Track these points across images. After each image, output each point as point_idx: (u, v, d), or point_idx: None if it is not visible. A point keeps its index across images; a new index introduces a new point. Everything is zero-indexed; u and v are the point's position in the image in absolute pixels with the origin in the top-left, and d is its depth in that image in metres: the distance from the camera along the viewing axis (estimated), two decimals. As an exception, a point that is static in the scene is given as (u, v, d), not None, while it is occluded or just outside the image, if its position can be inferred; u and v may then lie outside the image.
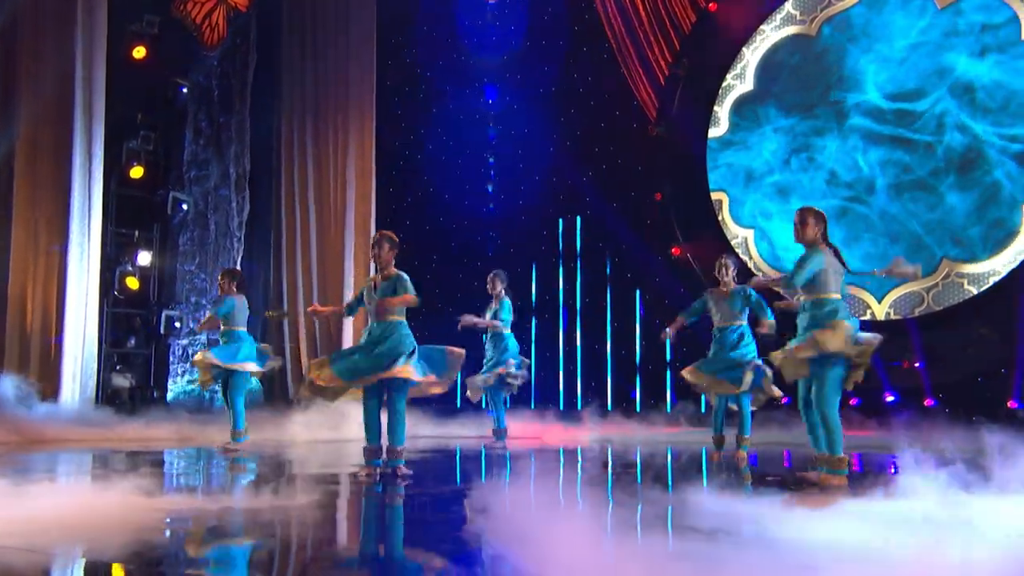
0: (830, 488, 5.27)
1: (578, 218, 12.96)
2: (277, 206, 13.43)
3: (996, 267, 10.16)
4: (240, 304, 8.14)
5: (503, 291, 8.61)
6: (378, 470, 5.89)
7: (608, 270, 12.66)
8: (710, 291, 7.35)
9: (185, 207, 12.59)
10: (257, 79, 13.28)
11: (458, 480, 6.89)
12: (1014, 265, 10.05)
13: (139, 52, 12.16)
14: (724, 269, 7.19)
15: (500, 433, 8.57)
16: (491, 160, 13.87)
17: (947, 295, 10.41)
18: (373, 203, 13.54)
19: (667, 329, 7.51)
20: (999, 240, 10.24)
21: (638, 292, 12.35)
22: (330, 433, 9.69)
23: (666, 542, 3.85)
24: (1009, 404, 9.75)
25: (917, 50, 10.91)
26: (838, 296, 5.59)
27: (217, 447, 8.16)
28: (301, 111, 13.55)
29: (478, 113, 13.86)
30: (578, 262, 12.98)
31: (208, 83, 13.04)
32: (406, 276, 5.99)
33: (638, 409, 11.97)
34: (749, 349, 7.09)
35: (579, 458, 8.08)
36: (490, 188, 14.06)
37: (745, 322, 7.15)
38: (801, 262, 5.56)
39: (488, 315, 8.65)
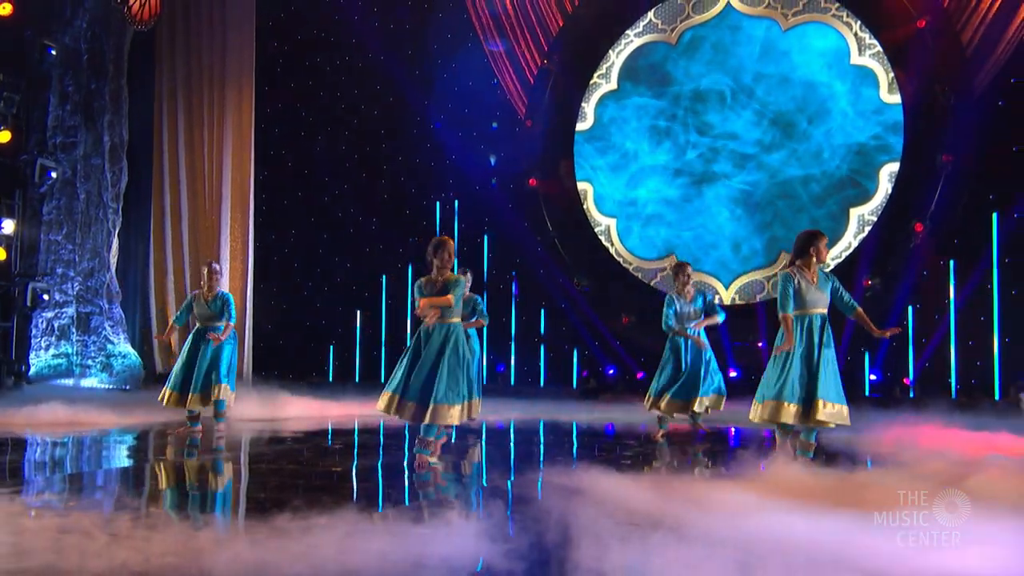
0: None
1: (455, 201, 13.56)
2: (156, 177, 13.19)
3: (826, 261, 11.68)
4: None
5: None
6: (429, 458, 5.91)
7: (486, 251, 13.35)
8: (675, 295, 7.74)
9: (54, 175, 12.10)
10: (135, 46, 12.90)
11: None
12: (839, 260, 11.62)
13: (5, 9, 11.61)
14: (683, 275, 7.71)
15: None
16: (367, 135, 14.16)
17: (784, 284, 11.84)
18: (251, 175, 13.58)
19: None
20: (830, 237, 11.77)
21: (514, 274, 13.14)
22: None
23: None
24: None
25: (765, 63, 12.25)
26: None
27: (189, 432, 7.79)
28: (176, 80, 13.34)
29: (358, 89, 14.12)
30: (456, 243, 13.57)
31: (76, 46, 12.53)
32: (463, 280, 5.94)
33: (512, 383, 12.83)
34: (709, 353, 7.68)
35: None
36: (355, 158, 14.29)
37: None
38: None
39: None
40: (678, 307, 7.69)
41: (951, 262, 11.03)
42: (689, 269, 7.86)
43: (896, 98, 11.53)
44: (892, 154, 11.54)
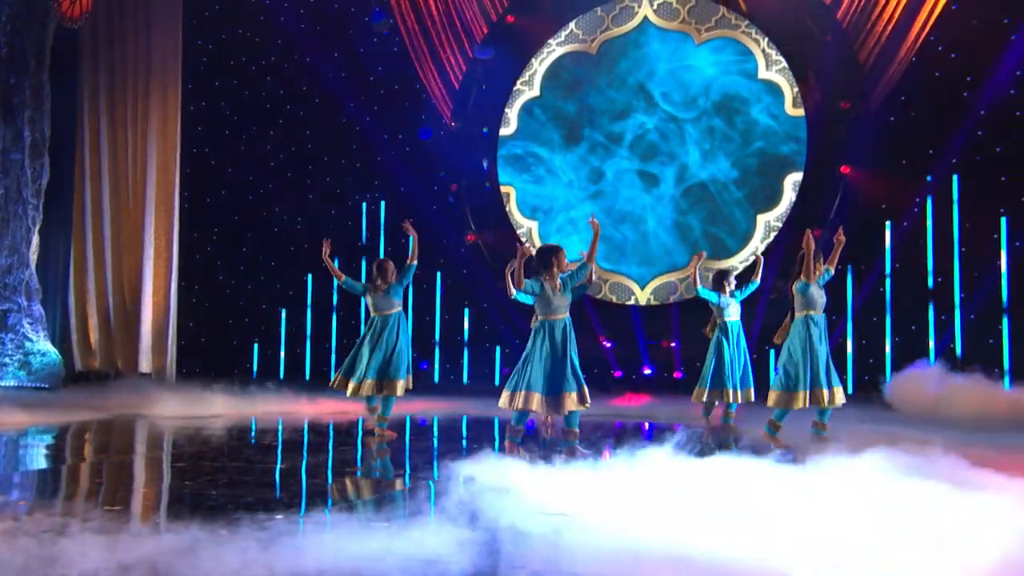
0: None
1: (382, 202, 13.81)
2: (78, 173, 13.06)
3: (734, 264, 12.39)
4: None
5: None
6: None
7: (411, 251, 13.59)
8: (721, 293, 8.80)
9: (-29, 171, 11.89)
10: (58, 41, 12.74)
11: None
12: (748, 263, 12.31)
13: (-82, 2, 11.35)
14: (727, 283, 8.83)
15: None
16: (293, 135, 14.27)
17: (696, 285, 12.48)
18: (176, 173, 13.57)
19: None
20: (738, 241, 12.50)
21: (439, 274, 13.46)
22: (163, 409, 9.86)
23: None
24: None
25: (680, 74, 12.87)
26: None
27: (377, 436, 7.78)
28: (100, 76, 13.24)
29: (284, 89, 14.23)
30: (382, 244, 13.83)
31: (-7, 41, 12.31)
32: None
33: (435, 381, 13.18)
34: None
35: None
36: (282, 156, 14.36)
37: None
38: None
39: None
40: (722, 303, 8.76)
41: (848, 267, 11.80)
42: (731, 278, 8.99)
43: (800, 111, 12.29)
44: (796, 164, 12.29)
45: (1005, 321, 10.82)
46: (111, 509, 4.33)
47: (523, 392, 6.31)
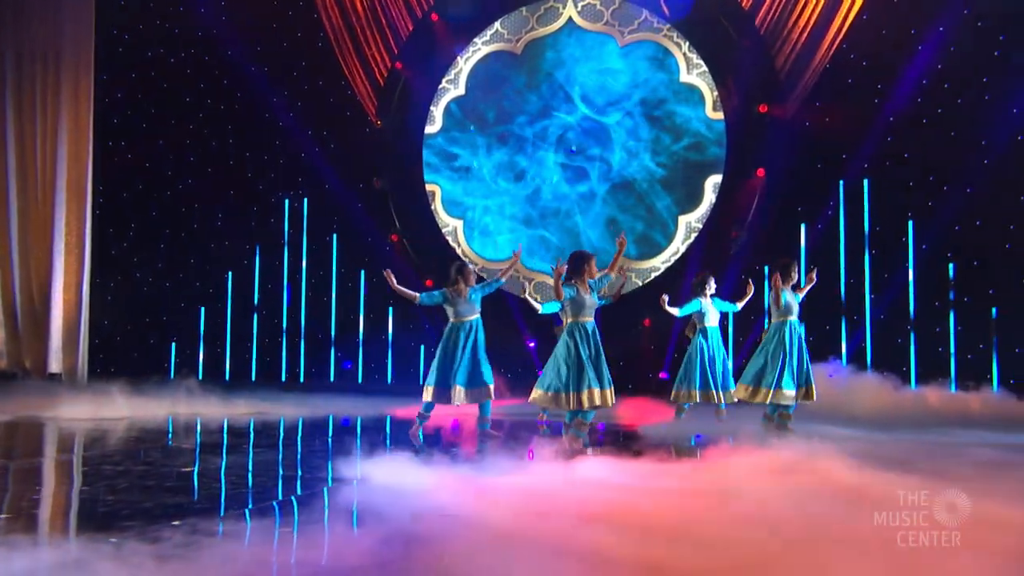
0: None
1: (305, 200, 13.62)
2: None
3: (656, 264, 12.57)
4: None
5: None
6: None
7: (335, 250, 13.48)
8: (702, 298, 9.34)
9: None
10: (-42, 30, 12.27)
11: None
12: (669, 263, 12.51)
13: None
14: (706, 284, 9.41)
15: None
16: (214, 130, 13.98)
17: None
18: (89, 166, 13.15)
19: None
20: (660, 242, 12.67)
21: (362, 273, 13.34)
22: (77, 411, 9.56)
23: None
24: (660, 375, 12.15)
25: (603, 76, 12.99)
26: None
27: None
28: (6, 67, 12.77)
29: (204, 83, 13.92)
30: (305, 242, 13.65)
31: None
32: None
33: (359, 381, 13.06)
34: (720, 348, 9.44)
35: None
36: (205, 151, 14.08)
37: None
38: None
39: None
40: (703, 307, 9.34)
41: (766, 268, 12.06)
42: (710, 279, 9.52)
43: (720, 115, 12.51)
44: (717, 166, 12.51)
45: (912, 322, 11.20)
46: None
47: (587, 390, 6.96)
